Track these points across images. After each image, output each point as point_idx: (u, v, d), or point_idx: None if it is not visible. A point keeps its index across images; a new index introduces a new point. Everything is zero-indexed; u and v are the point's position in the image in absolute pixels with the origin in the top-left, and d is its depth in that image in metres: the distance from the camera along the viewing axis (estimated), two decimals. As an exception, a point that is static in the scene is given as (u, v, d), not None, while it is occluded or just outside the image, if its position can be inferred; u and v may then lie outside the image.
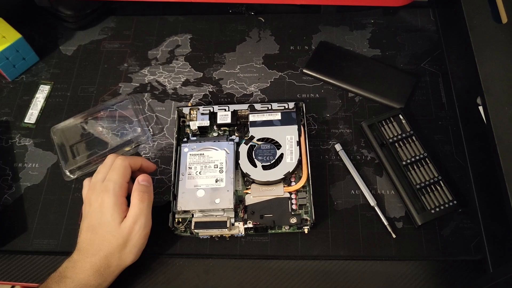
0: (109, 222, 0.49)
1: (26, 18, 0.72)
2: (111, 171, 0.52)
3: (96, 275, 0.48)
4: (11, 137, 0.63)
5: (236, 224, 0.54)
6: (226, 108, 0.60)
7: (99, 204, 0.50)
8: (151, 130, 0.63)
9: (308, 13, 0.72)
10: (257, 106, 0.60)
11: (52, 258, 0.55)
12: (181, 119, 0.62)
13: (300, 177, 0.56)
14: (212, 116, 0.61)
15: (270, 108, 0.60)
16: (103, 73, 0.68)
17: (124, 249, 0.50)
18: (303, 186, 0.55)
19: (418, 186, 0.55)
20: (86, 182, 0.54)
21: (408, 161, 0.57)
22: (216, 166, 0.56)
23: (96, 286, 0.49)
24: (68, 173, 0.59)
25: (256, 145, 0.57)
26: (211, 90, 0.66)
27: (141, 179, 0.52)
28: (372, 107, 0.63)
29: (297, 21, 0.71)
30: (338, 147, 0.59)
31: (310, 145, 0.60)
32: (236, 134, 0.60)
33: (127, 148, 0.61)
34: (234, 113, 0.60)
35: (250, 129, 0.58)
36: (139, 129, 0.62)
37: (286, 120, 0.59)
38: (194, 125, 0.60)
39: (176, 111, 0.61)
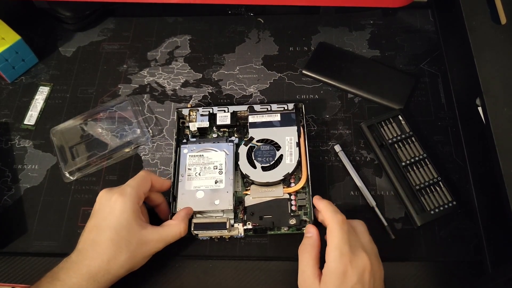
0: (124, 225, 0.47)
1: (25, 19, 0.72)
2: (132, 179, 0.51)
3: (91, 281, 0.46)
4: (10, 138, 0.63)
5: (236, 225, 0.54)
6: (226, 109, 0.60)
7: (112, 205, 0.48)
8: (150, 131, 0.63)
9: (307, 14, 0.72)
10: (257, 107, 0.60)
11: (52, 259, 0.55)
12: (181, 120, 0.62)
13: (299, 178, 0.56)
14: (212, 117, 0.61)
15: (269, 109, 0.60)
16: (103, 75, 0.68)
17: (132, 257, 0.48)
18: (303, 187, 0.55)
19: (417, 187, 0.55)
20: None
21: (408, 162, 0.57)
22: (215, 167, 0.56)
23: None
24: (67, 175, 0.59)
25: (256, 146, 0.57)
26: (210, 91, 0.66)
27: (190, 211, 0.53)
28: (371, 108, 0.63)
29: (296, 22, 0.71)
30: (337, 148, 0.59)
31: (310, 146, 0.60)
32: (236, 135, 0.60)
33: (126, 150, 0.61)
34: (234, 114, 0.60)
35: (250, 130, 0.58)
36: (138, 131, 0.62)
37: (285, 121, 0.59)
38: (193, 126, 0.60)
39: (175, 112, 0.61)
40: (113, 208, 0.48)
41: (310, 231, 0.50)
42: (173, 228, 0.51)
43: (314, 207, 0.52)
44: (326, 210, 0.48)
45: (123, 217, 0.48)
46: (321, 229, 0.50)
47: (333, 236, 0.45)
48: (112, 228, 0.47)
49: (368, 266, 0.44)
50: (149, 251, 0.49)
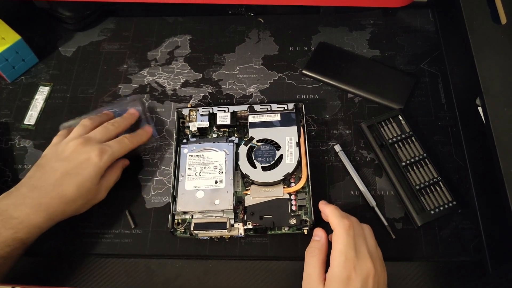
0: (92, 178, 0.51)
1: (25, 19, 0.72)
2: (116, 142, 0.55)
3: (47, 219, 0.49)
4: (10, 138, 0.63)
5: (236, 225, 0.54)
6: (226, 109, 0.60)
7: (87, 158, 0.52)
8: (156, 131, 0.62)
9: (308, 14, 0.72)
10: (257, 107, 0.60)
11: (53, 260, 0.55)
12: (181, 120, 0.62)
13: (299, 178, 0.56)
14: (212, 117, 0.61)
15: (269, 109, 0.60)
16: (103, 74, 0.68)
17: (86, 204, 0.52)
18: (303, 187, 0.55)
19: (417, 187, 0.55)
20: (61, 138, 0.55)
21: (408, 161, 0.57)
22: (215, 167, 0.56)
23: (44, 229, 0.49)
24: None
25: (256, 146, 0.57)
26: (210, 91, 0.66)
27: (125, 163, 0.58)
28: (371, 108, 0.63)
29: (297, 22, 0.71)
30: (337, 148, 0.59)
31: (310, 146, 0.60)
32: (236, 135, 0.60)
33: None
34: (234, 114, 0.60)
35: (250, 130, 0.58)
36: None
37: (285, 121, 0.59)
38: (193, 126, 0.60)
39: (175, 112, 0.61)
40: (88, 160, 0.52)
41: (318, 235, 0.49)
42: (111, 177, 0.55)
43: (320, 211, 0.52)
44: (332, 215, 0.48)
45: (93, 171, 0.51)
46: (328, 230, 0.49)
47: (338, 241, 0.45)
48: (80, 176, 0.51)
49: (372, 272, 0.44)
50: (97, 201, 0.54)
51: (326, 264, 0.46)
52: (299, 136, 0.57)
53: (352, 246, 0.45)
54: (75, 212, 0.52)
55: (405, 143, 0.58)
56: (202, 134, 0.61)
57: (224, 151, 0.57)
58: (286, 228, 0.54)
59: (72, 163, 0.52)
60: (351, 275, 0.44)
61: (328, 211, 0.49)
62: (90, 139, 0.54)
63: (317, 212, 0.55)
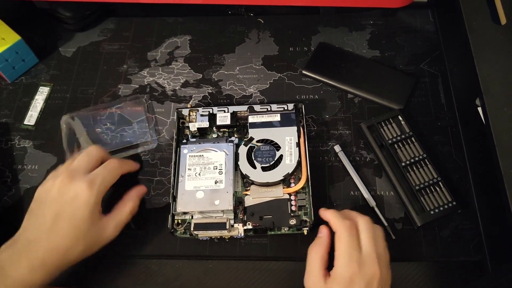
0: (86, 218, 0.45)
1: (25, 19, 0.72)
2: (103, 168, 0.49)
3: (44, 276, 0.44)
4: (10, 138, 0.63)
5: (236, 225, 0.54)
6: (226, 109, 0.60)
7: (77, 194, 0.46)
8: (156, 132, 0.62)
9: (307, 14, 0.72)
10: (257, 108, 0.60)
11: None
12: (181, 120, 0.62)
13: (299, 179, 0.56)
14: (212, 117, 0.61)
15: (269, 109, 0.60)
16: (103, 75, 0.68)
17: (88, 248, 0.47)
18: (303, 188, 0.55)
19: (417, 187, 0.55)
20: (53, 174, 0.49)
21: (408, 162, 0.57)
22: (215, 168, 0.56)
23: (43, 286, 0.44)
24: None
25: (256, 147, 0.57)
26: (210, 91, 0.66)
27: (142, 191, 0.53)
28: (371, 108, 0.63)
29: (296, 22, 0.71)
30: (337, 148, 0.59)
31: (310, 146, 0.60)
32: (236, 136, 0.60)
33: (131, 151, 0.61)
34: (234, 115, 0.60)
35: (250, 130, 0.58)
36: (148, 131, 0.62)
37: (285, 121, 0.59)
38: (193, 127, 0.60)
39: (175, 112, 0.61)
40: (77, 198, 0.46)
41: (322, 231, 0.49)
42: (123, 210, 0.50)
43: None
44: (333, 217, 0.48)
45: (86, 209, 0.46)
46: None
47: (341, 241, 0.45)
48: (73, 219, 0.45)
49: (377, 275, 0.43)
50: (105, 241, 0.48)
51: (330, 264, 0.46)
52: (299, 137, 0.57)
53: (356, 246, 0.44)
54: (78, 259, 0.47)
55: (405, 143, 0.58)
56: (202, 135, 0.61)
57: (224, 151, 0.57)
58: (286, 229, 0.54)
59: (60, 204, 0.46)
60: (355, 277, 0.43)
61: (329, 214, 0.48)
62: (74, 170, 0.48)
63: (317, 213, 0.55)
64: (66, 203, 0.46)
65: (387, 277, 0.45)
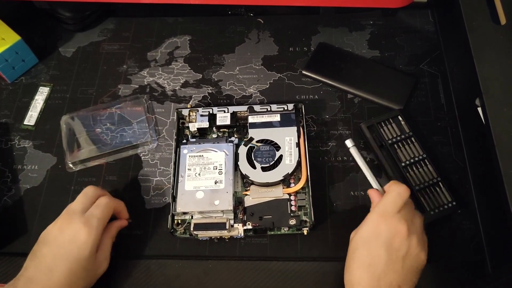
0: (86, 258, 0.47)
1: (25, 20, 0.72)
2: (95, 207, 0.50)
3: None
4: (10, 139, 0.63)
5: (236, 225, 0.54)
6: (226, 109, 0.60)
7: (75, 235, 0.47)
8: (156, 132, 0.62)
9: (307, 14, 0.72)
10: (256, 108, 0.60)
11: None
12: (181, 120, 0.62)
13: (299, 179, 0.56)
14: (212, 117, 0.61)
15: (269, 109, 0.60)
16: (103, 75, 0.68)
17: (88, 283, 0.49)
18: (302, 188, 0.55)
19: (417, 187, 0.55)
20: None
21: (407, 162, 0.57)
22: (215, 168, 0.56)
23: None
24: (70, 165, 0.60)
25: (256, 147, 0.57)
26: (210, 91, 0.66)
27: (123, 224, 0.54)
28: (371, 108, 0.63)
29: (296, 22, 0.71)
30: (349, 143, 0.55)
31: (309, 146, 0.60)
32: (236, 136, 0.60)
33: (130, 152, 0.61)
34: (234, 115, 0.60)
35: (250, 130, 0.58)
36: (148, 131, 0.62)
37: (285, 121, 0.59)
38: (193, 127, 0.60)
39: (175, 112, 0.61)
40: (75, 238, 0.47)
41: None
42: (109, 242, 0.51)
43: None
44: (391, 183, 0.48)
45: (85, 249, 0.47)
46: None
47: (387, 196, 0.46)
48: (72, 258, 0.47)
49: (403, 233, 0.44)
50: (100, 274, 0.50)
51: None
52: (298, 137, 0.57)
53: (395, 208, 0.45)
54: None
55: (404, 143, 0.58)
56: (202, 135, 0.61)
57: (224, 151, 0.57)
58: (286, 229, 0.54)
59: (59, 244, 0.47)
60: (381, 227, 0.44)
61: (386, 185, 0.48)
62: (72, 212, 0.49)
63: (317, 213, 0.55)
64: (64, 243, 0.47)
65: (415, 251, 0.45)
